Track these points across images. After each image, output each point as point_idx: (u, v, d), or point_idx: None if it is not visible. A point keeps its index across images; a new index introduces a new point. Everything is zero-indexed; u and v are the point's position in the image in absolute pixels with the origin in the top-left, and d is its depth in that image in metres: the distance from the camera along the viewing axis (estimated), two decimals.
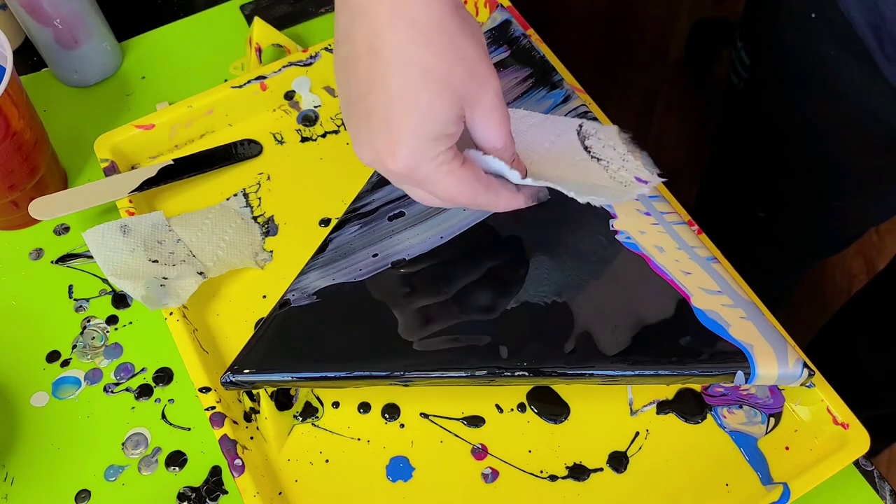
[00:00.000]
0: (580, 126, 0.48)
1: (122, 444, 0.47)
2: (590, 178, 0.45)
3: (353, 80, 0.34)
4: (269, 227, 0.53)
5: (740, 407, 0.46)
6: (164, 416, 0.47)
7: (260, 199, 0.54)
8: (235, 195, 0.54)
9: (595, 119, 0.51)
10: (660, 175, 0.46)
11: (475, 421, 0.46)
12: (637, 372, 0.42)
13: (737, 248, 0.50)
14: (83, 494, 0.45)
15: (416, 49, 0.33)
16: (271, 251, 0.52)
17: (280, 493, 0.44)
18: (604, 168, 0.46)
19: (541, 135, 0.46)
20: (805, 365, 0.42)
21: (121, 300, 0.51)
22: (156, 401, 0.48)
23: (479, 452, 0.45)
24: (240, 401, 0.46)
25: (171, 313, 0.46)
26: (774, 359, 0.42)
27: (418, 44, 0.33)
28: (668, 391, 0.47)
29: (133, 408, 0.48)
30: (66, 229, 0.54)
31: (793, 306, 1.25)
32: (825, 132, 0.63)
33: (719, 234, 0.52)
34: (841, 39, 0.55)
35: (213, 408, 0.44)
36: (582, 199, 0.40)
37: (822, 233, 0.80)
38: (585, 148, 0.46)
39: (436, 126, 0.34)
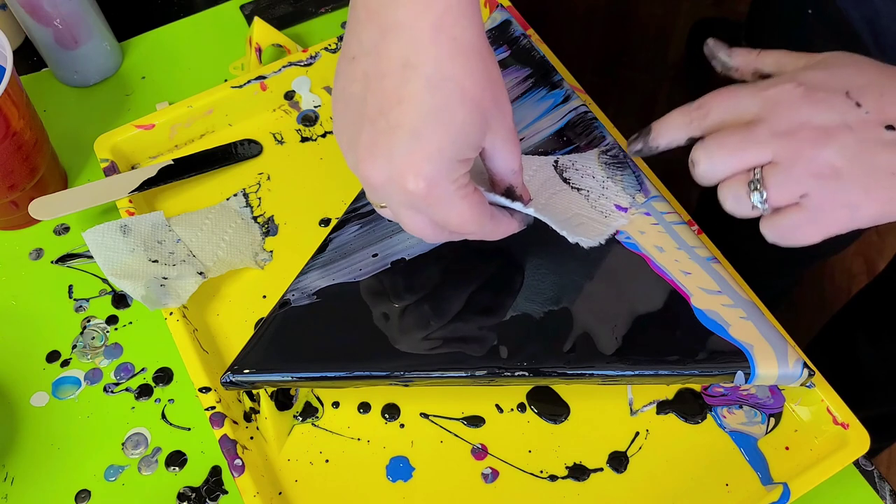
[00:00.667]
0: (556, 161, 0.48)
1: (122, 444, 0.47)
2: (571, 208, 0.45)
3: (373, 94, 0.34)
4: (269, 227, 0.53)
5: (740, 407, 0.46)
6: (164, 416, 0.47)
7: (260, 199, 0.54)
8: (235, 195, 0.54)
9: (594, 119, 0.51)
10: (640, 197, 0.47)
11: (475, 421, 0.46)
12: (637, 372, 0.42)
13: (735, 249, 0.51)
14: (83, 494, 0.45)
15: (455, 68, 0.33)
16: (271, 251, 0.52)
17: (280, 493, 0.44)
18: (584, 197, 0.46)
19: None
20: (805, 365, 0.42)
21: (121, 300, 0.51)
22: (156, 401, 0.48)
23: (479, 452, 0.45)
24: (240, 401, 0.46)
25: (171, 313, 0.46)
26: (774, 359, 0.42)
27: (458, 63, 0.33)
28: (668, 391, 0.47)
29: (133, 408, 0.48)
30: (66, 229, 0.54)
31: (793, 306, 1.24)
32: None
33: (718, 235, 0.52)
34: (838, 35, 0.55)
35: (213, 408, 0.44)
36: (572, 239, 0.41)
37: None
38: (564, 180, 0.47)
39: (464, 146, 0.34)
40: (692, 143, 0.38)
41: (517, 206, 0.39)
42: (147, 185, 0.52)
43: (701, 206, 0.93)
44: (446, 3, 0.32)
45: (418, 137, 0.33)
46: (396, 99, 0.33)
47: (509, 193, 0.39)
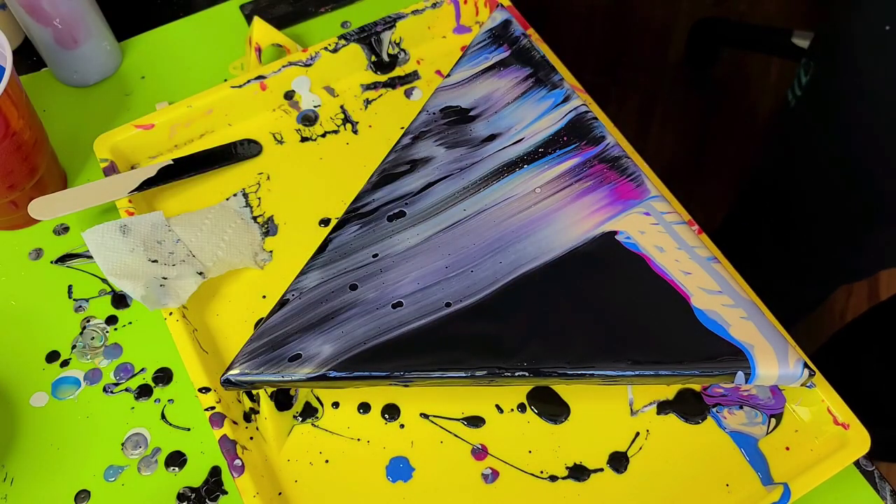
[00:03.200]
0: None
1: (122, 444, 0.47)
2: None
3: None
4: (268, 227, 0.53)
5: (741, 408, 0.46)
6: (163, 417, 0.47)
7: (259, 199, 0.54)
8: (235, 195, 0.54)
9: (594, 119, 0.51)
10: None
11: (475, 421, 0.46)
12: (637, 372, 0.42)
13: (759, 272, 0.50)
14: (83, 495, 0.45)
15: None
16: (271, 251, 0.52)
17: (280, 494, 0.44)
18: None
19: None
20: (805, 365, 0.42)
21: (120, 300, 0.51)
22: (155, 401, 0.48)
23: (480, 453, 0.45)
24: (239, 401, 0.46)
25: (170, 313, 0.46)
26: (775, 359, 0.42)
27: None
28: (668, 391, 0.47)
29: (133, 408, 0.48)
30: (66, 229, 0.54)
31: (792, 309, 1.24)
32: (868, 155, 0.63)
33: (742, 258, 0.52)
34: None
35: (213, 408, 0.44)
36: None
37: (846, 263, 0.80)
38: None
39: None
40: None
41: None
42: (147, 184, 0.52)
43: (728, 227, 0.92)
44: None
45: None
46: None
47: None
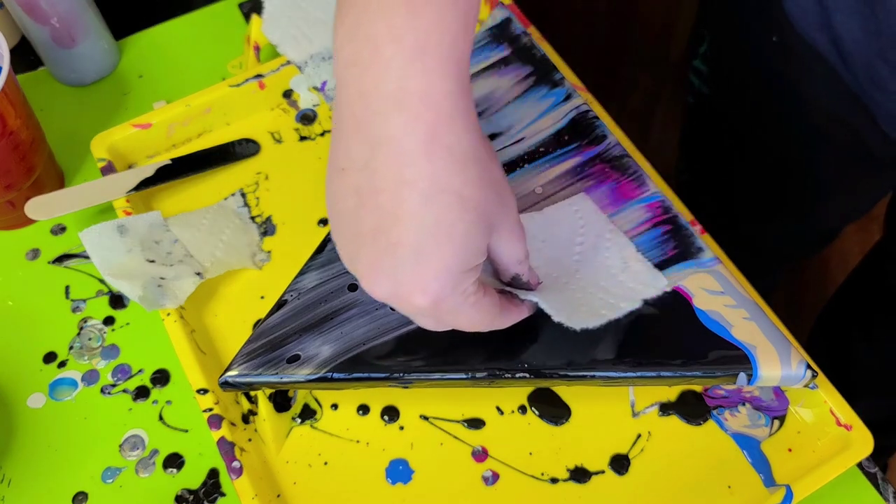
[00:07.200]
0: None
1: (120, 445, 0.46)
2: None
3: (369, 211, 0.32)
4: (267, 227, 0.52)
5: (741, 408, 0.46)
6: (161, 418, 0.47)
7: (258, 198, 0.53)
8: (233, 195, 0.53)
9: (596, 118, 0.51)
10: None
11: (475, 423, 0.46)
12: (639, 374, 0.42)
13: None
14: (80, 496, 0.45)
15: (452, 178, 0.31)
16: (269, 251, 0.51)
17: (278, 496, 0.44)
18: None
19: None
20: (808, 366, 0.42)
21: (118, 301, 0.51)
22: (153, 402, 0.48)
23: (480, 455, 0.45)
24: (238, 402, 0.46)
25: (168, 314, 0.46)
26: (777, 360, 0.42)
27: (454, 173, 0.31)
28: (670, 393, 0.46)
29: (130, 409, 0.47)
30: (63, 229, 0.54)
31: (793, 303, 1.24)
32: (791, 141, 0.64)
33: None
34: (805, 61, 0.55)
35: (211, 409, 0.43)
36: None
37: (796, 238, 0.80)
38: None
39: (470, 257, 0.33)
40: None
41: (524, 292, 0.39)
42: (144, 184, 0.51)
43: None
44: (437, 112, 0.31)
45: (421, 256, 0.31)
46: (393, 217, 0.31)
47: (515, 282, 0.39)
